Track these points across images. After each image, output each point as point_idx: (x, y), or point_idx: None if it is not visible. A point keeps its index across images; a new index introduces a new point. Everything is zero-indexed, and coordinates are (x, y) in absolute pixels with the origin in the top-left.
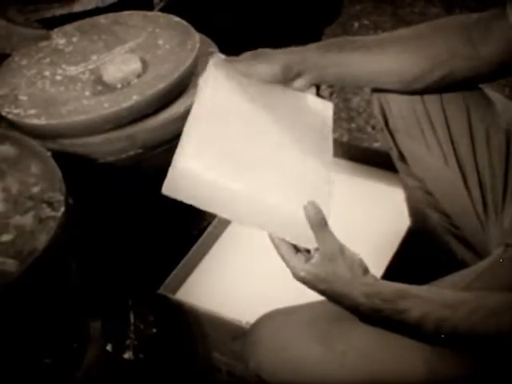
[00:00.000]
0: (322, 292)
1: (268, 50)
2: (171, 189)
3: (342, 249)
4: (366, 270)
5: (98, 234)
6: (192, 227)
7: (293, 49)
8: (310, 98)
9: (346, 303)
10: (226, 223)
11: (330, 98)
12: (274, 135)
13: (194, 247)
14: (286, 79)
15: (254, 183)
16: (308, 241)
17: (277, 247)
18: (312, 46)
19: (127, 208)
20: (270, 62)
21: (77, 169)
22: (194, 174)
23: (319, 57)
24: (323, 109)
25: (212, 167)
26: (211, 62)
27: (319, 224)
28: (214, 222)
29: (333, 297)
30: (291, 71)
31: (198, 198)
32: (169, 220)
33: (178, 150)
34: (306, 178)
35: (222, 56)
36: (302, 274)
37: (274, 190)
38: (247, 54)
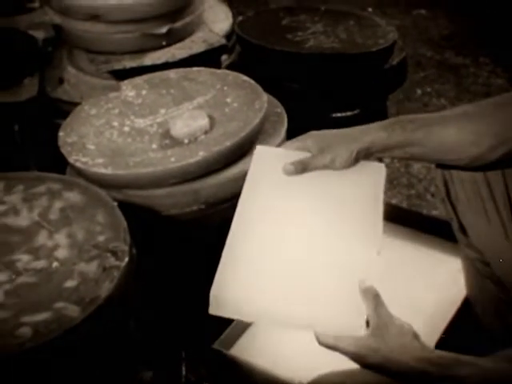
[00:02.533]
0: (373, 365)
1: (330, 139)
2: (215, 309)
3: (391, 318)
4: (416, 336)
5: (157, 285)
6: None
7: (357, 132)
8: (361, 163)
9: (395, 369)
10: None
11: (391, 162)
12: (319, 222)
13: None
14: (357, 163)
15: (300, 301)
16: (356, 330)
17: (323, 343)
18: (376, 127)
19: (187, 261)
20: (340, 153)
21: (140, 220)
22: (234, 306)
23: (385, 139)
24: (375, 171)
25: (252, 295)
26: (255, 154)
27: (373, 300)
28: None
29: (383, 365)
30: (360, 156)
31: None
32: None
33: (220, 272)
34: (350, 265)
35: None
36: (353, 349)
37: (320, 300)
38: (313, 144)
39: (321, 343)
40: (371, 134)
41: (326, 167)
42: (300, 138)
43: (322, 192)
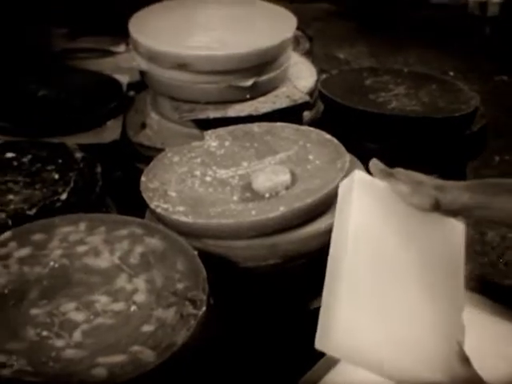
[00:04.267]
0: None
1: (415, 177)
2: (323, 345)
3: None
4: None
5: (229, 336)
6: None
7: (442, 184)
8: (443, 218)
9: None
10: None
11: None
12: (412, 272)
13: (325, 357)
14: (432, 212)
15: (400, 353)
16: None
17: None
18: (459, 185)
19: (260, 314)
20: (421, 194)
21: (217, 270)
22: (349, 347)
23: (467, 198)
24: (455, 231)
25: (367, 342)
26: (357, 177)
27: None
28: None
29: None
30: (439, 208)
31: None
32: (300, 328)
33: (331, 306)
34: (444, 324)
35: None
36: None
37: (418, 358)
38: (403, 178)
39: None
40: (454, 190)
41: (401, 195)
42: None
43: (411, 238)
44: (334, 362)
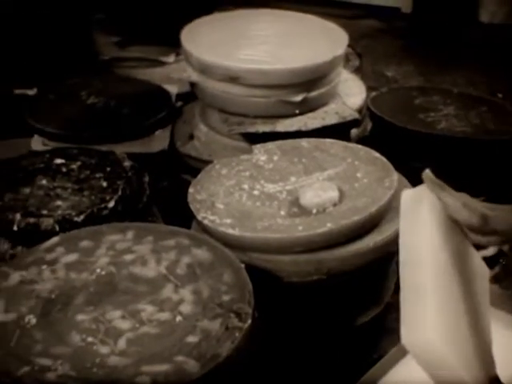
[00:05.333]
0: None
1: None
2: (408, 344)
3: None
4: None
5: (272, 349)
6: (372, 351)
7: (491, 206)
8: (477, 257)
9: None
10: None
11: (509, 250)
12: (462, 294)
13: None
14: (480, 231)
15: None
16: None
17: None
18: (506, 207)
19: (304, 329)
20: (471, 210)
21: (261, 283)
22: (438, 353)
23: None
24: (483, 271)
25: (457, 352)
26: (426, 189)
27: None
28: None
29: None
30: (487, 226)
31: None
32: (344, 343)
33: (421, 311)
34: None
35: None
36: None
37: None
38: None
39: None
40: (503, 211)
41: (451, 208)
42: None
43: (460, 257)
44: (388, 368)
